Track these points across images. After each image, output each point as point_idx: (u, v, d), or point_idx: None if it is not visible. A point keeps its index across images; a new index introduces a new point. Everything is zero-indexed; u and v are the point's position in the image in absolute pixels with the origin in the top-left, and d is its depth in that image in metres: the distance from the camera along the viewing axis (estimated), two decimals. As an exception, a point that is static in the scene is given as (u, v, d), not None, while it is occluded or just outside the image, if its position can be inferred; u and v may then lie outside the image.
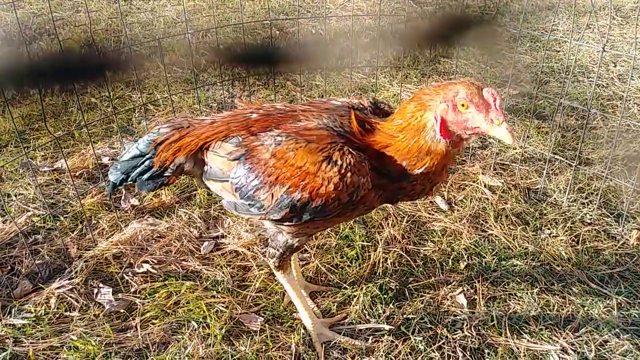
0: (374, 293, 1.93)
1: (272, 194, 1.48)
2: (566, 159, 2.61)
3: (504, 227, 2.27)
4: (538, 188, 2.53)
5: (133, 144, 1.71)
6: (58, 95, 3.14)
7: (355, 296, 1.93)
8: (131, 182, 1.68)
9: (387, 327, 1.80)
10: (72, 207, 2.35)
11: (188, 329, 1.79)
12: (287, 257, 1.69)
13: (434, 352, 1.72)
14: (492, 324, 1.83)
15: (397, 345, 1.74)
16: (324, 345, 1.74)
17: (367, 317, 1.85)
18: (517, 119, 3.06)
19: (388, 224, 2.27)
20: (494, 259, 2.09)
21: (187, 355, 1.70)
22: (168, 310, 1.86)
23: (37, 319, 1.82)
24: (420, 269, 2.05)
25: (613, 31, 4.27)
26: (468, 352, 1.73)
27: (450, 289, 1.97)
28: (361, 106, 1.64)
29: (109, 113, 3.08)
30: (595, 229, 2.26)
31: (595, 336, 1.79)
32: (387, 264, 2.07)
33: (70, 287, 1.94)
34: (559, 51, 4.01)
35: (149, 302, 1.90)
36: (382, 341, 1.76)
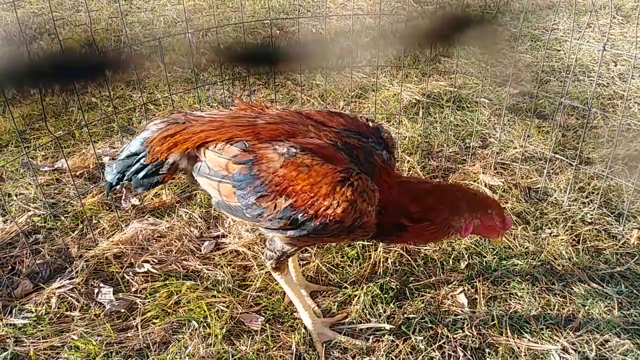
0: (374, 292, 1.93)
1: (276, 204, 1.45)
2: (567, 158, 2.61)
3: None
4: (538, 187, 2.53)
5: (128, 142, 1.69)
6: (58, 95, 3.14)
7: (355, 296, 1.93)
8: (127, 181, 1.66)
9: (388, 327, 1.80)
10: (72, 206, 2.35)
11: (189, 329, 1.79)
12: (284, 260, 1.69)
13: (435, 352, 1.72)
14: (492, 323, 1.83)
15: (397, 345, 1.74)
16: (324, 345, 1.74)
17: (368, 316, 1.86)
18: (517, 118, 3.05)
19: (388, 223, 2.27)
20: (494, 258, 2.09)
21: (187, 355, 1.70)
22: (169, 310, 1.87)
23: (37, 318, 1.83)
24: (421, 269, 2.05)
25: (614, 30, 4.26)
26: (469, 352, 1.73)
27: (450, 288, 1.98)
28: (366, 134, 1.62)
29: (109, 112, 3.08)
30: (596, 229, 2.26)
31: (596, 336, 1.79)
32: (388, 264, 2.07)
33: (71, 286, 1.94)
34: (559, 50, 4.00)
35: (149, 301, 1.90)
36: (382, 341, 1.76)
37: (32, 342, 1.73)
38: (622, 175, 2.54)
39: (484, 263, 2.08)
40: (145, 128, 1.68)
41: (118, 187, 1.71)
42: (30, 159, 2.65)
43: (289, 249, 1.62)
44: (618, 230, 2.25)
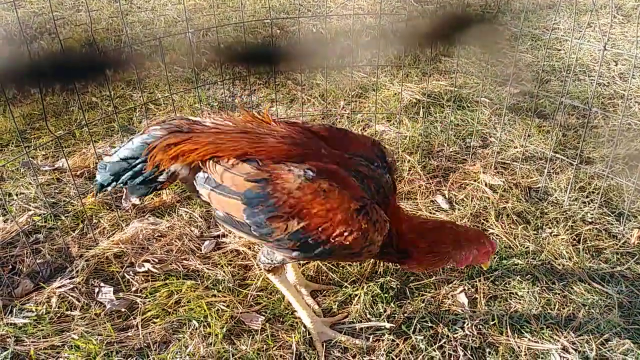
0: (374, 292, 1.93)
1: (287, 226, 1.44)
2: (567, 157, 2.61)
3: (505, 226, 2.26)
4: (539, 187, 2.52)
5: (124, 143, 1.63)
6: (59, 95, 3.14)
7: (356, 295, 1.93)
8: (121, 185, 1.60)
9: (388, 325, 1.80)
10: (73, 206, 2.35)
11: (189, 328, 1.79)
12: (280, 266, 1.69)
13: (435, 351, 1.72)
14: (493, 323, 1.83)
15: (398, 344, 1.74)
16: (324, 344, 1.74)
17: (368, 316, 1.86)
18: (518, 117, 3.05)
19: (389, 223, 2.27)
20: (494, 257, 2.09)
21: (188, 354, 1.70)
22: (169, 310, 1.87)
23: (38, 318, 1.83)
24: (421, 268, 2.05)
25: (614, 30, 4.26)
26: (469, 351, 1.73)
27: (451, 287, 1.97)
28: (372, 159, 1.65)
29: (109, 112, 3.08)
30: (597, 228, 2.26)
31: (596, 335, 1.79)
32: (388, 263, 2.06)
33: (72, 286, 1.94)
34: (560, 50, 4.00)
35: (149, 301, 1.90)
36: (382, 340, 1.76)
37: (32, 342, 1.74)
38: (623, 175, 2.54)
39: (485, 262, 2.08)
40: (146, 131, 1.62)
41: (109, 189, 1.63)
42: (30, 159, 2.66)
43: (288, 261, 1.63)
44: (618, 230, 2.25)
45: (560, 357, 1.72)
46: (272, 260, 1.65)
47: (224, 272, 2.03)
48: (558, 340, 1.77)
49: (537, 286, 1.97)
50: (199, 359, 1.69)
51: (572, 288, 1.97)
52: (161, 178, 1.58)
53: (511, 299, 1.93)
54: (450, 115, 3.07)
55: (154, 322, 1.82)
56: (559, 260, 2.10)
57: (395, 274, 2.03)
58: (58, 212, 2.30)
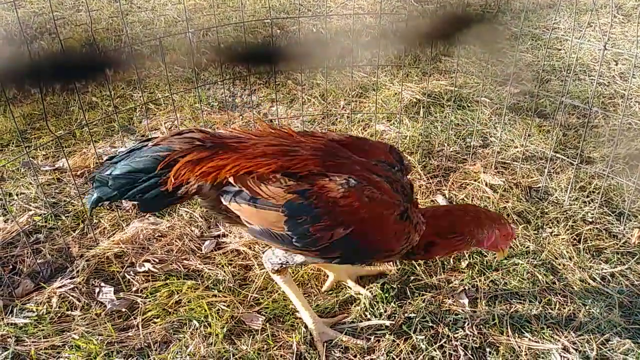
0: (375, 292, 1.93)
1: (333, 234, 1.45)
2: (567, 157, 2.61)
3: (506, 226, 2.26)
4: (539, 187, 2.52)
5: (129, 156, 1.51)
6: (59, 95, 3.14)
7: (358, 295, 1.93)
8: (129, 200, 1.50)
9: (388, 322, 1.80)
10: (73, 206, 2.35)
11: (189, 328, 1.79)
12: (287, 267, 1.69)
13: (436, 351, 1.72)
14: (493, 323, 1.83)
15: (398, 344, 1.74)
16: (325, 344, 1.74)
17: (369, 316, 1.86)
18: (518, 117, 3.05)
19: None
20: (495, 257, 2.09)
21: (188, 354, 1.70)
22: (169, 310, 1.87)
23: (38, 318, 1.83)
24: (422, 268, 2.05)
25: (614, 29, 4.26)
26: (469, 351, 1.73)
27: (451, 288, 1.97)
28: (392, 164, 1.67)
29: (110, 112, 3.08)
30: (597, 228, 2.26)
31: (596, 335, 1.79)
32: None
33: (72, 286, 1.94)
34: (560, 49, 4.00)
35: (150, 301, 1.90)
36: (383, 340, 1.76)
37: (33, 342, 1.74)
38: (623, 175, 2.54)
39: (485, 262, 2.08)
40: (156, 143, 1.53)
41: (107, 203, 1.56)
42: (31, 159, 2.66)
43: (308, 262, 1.65)
44: (619, 230, 2.25)
45: (561, 356, 1.72)
46: (287, 262, 1.64)
47: (224, 272, 2.03)
48: (559, 340, 1.77)
49: (538, 286, 1.97)
50: (199, 359, 1.69)
51: (572, 288, 1.97)
52: (180, 192, 1.50)
53: (512, 299, 1.93)
54: (451, 115, 3.07)
55: (155, 322, 1.82)
56: (559, 260, 2.10)
57: (395, 273, 2.03)
58: (58, 212, 2.30)
